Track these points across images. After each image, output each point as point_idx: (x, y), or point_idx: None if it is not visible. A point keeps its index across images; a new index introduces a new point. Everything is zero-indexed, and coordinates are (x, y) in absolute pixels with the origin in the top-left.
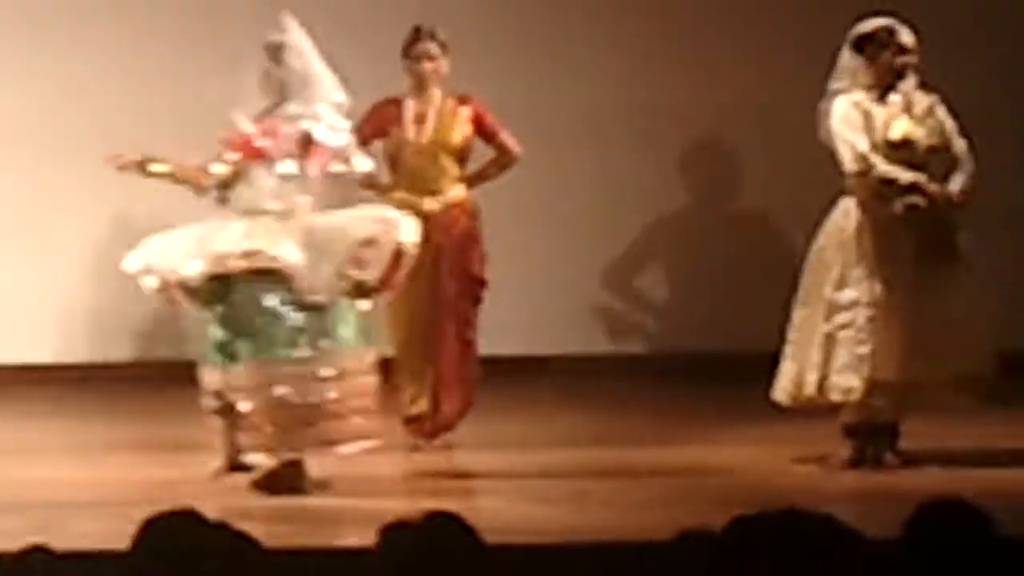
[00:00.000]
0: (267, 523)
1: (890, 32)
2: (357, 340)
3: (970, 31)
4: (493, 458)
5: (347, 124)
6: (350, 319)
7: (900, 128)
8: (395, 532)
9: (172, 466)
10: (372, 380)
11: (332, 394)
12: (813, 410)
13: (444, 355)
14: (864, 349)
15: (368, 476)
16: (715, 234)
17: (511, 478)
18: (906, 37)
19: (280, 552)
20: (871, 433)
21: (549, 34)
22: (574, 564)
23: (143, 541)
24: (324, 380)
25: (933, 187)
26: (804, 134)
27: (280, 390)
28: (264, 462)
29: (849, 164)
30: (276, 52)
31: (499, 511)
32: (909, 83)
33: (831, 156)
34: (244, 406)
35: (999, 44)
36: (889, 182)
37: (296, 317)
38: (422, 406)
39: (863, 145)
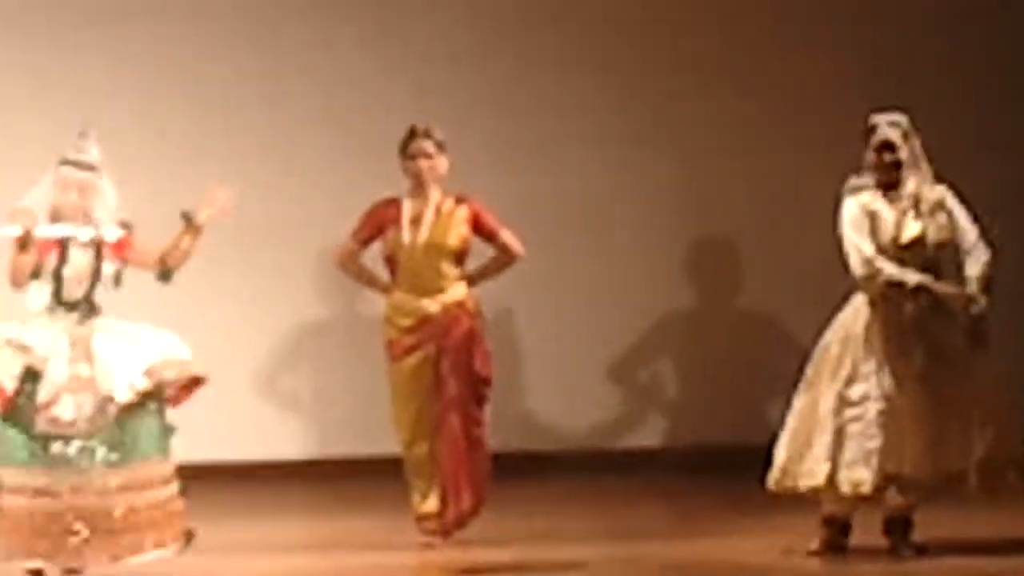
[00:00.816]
0: None
1: (872, 130)
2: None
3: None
4: (506, 553)
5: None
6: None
7: (910, 231)
8: None
9: None
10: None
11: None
12: (797, 499)
13: (451, 454)
14: (874, 443)
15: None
16: (721, 328)
17: (525, 573)
18: (888, 133)
19: None
20: (843, 527)
21: (549, 130)
22: None
23: None
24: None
25: (939, 287)
26: (810, 229)
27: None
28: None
29: (856, 268)
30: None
31: None
32: (917, 178)
33: (840, 251)
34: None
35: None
36: (897, 284)
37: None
38: (432, 504)
39: (869, 249)
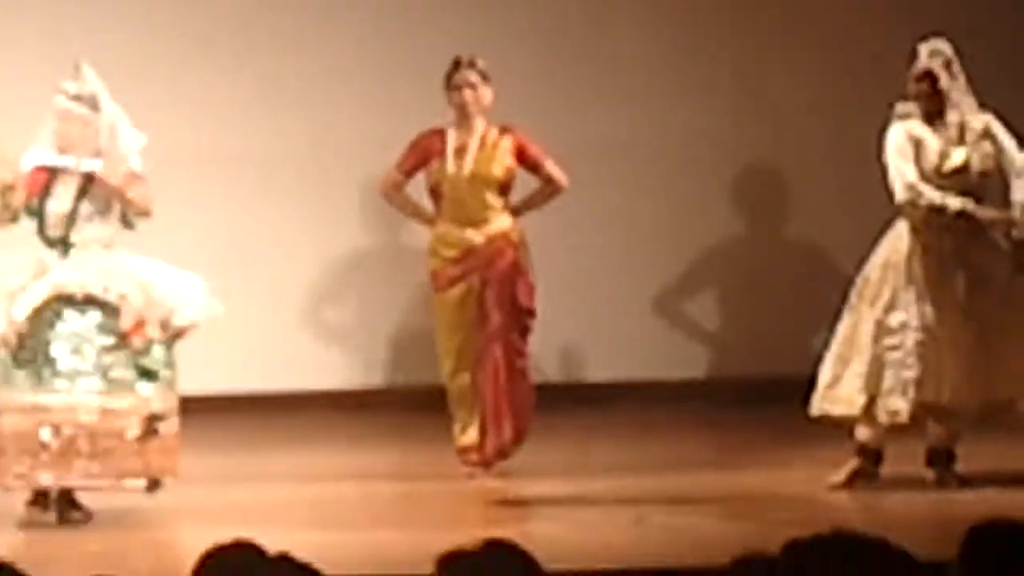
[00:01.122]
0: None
1: (932, 61)
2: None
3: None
4: (548, 486)
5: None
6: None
7: (954, 159)
8: (453, 562)
9: None
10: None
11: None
12: (839, 428)
13: (493, 385)
14: (911, 373)
15: (426, 505)
16: (768, 260)
17: (567, 505)
18: (928, 62)
19: None
20: (876, 456)
21: (599, 62)
22: None
23: (204, 572)
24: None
25: (983, 212)
26: (857, 160)
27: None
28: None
29: (899, 193)
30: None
31: (556, 539)
32: (961, 106)
33: (885, 180)
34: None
35: None
36: (939, 210)
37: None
38: (472, 436)
39: (912, 175)
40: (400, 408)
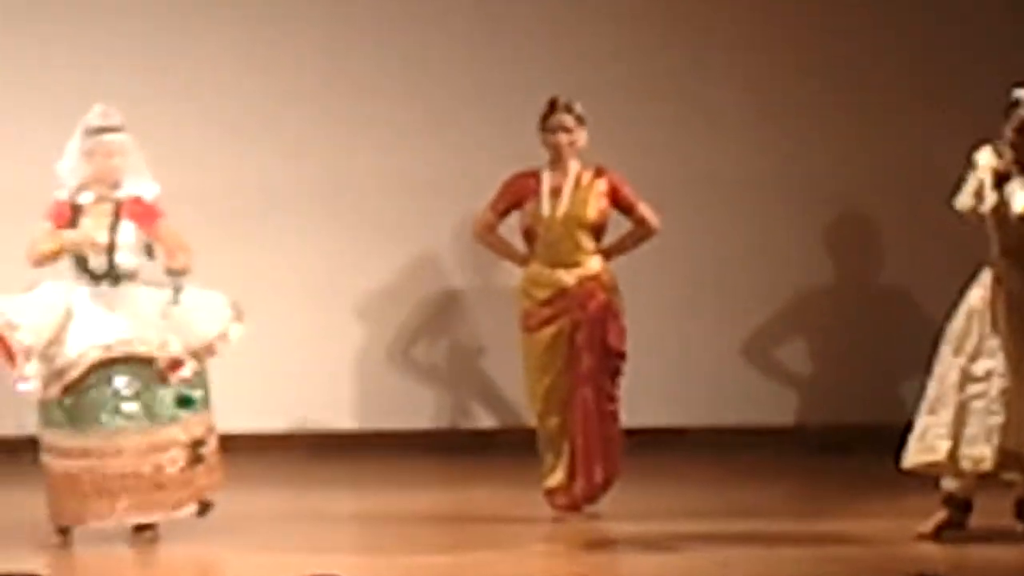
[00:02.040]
0: None
1: (1016, 105)
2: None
3: None
4: (637, 528)
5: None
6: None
7: (1020, 202)
8: None
9: None
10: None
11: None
12: (928, 480)
13: (582, 427)
14: (996, 420)
15: (517, 545)
16: (858, 306)
17: (654, 550)
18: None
19: None
20: (964, 506)
21: (694, 104)
22: None
23: None
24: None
25: None
26: (948, 206)
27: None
28: None
29: (963, 199)
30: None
31: None
32: None
33: (972, 229)
34: None
35: None
36: (1001, 207)
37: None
38: (559, 478)
39: (983, 184)
40: (491, 449)
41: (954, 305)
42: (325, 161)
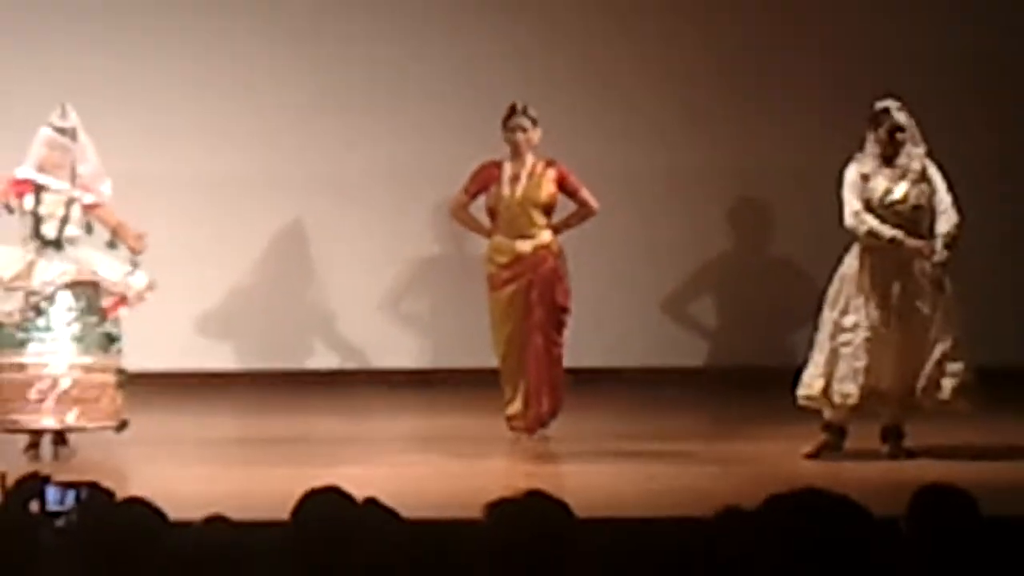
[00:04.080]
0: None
1: (886, 112)
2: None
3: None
4: (579, 448)
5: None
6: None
7: (894, 194)
8: (498, 507)
9: None
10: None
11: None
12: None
13: (533, 367)
14: (860, 363)
15: (478, 461)
16: (758, 273)
17: (593, 465)
18: (900, 117)
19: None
20: (840, 432)
21: (620, 105)
22: (643, 536)
23: (301, 515)
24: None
25: (910, 242)
26: (825, 193)
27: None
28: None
29: (846, 220)
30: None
31: (584, 490)
32: (910, 152)
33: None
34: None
35: (990, 110)
36: (877, 236)
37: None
38: (516, 407)
39: (857, 206)
40: (462, 384)
41: (833, 271)
42: (330, 154)
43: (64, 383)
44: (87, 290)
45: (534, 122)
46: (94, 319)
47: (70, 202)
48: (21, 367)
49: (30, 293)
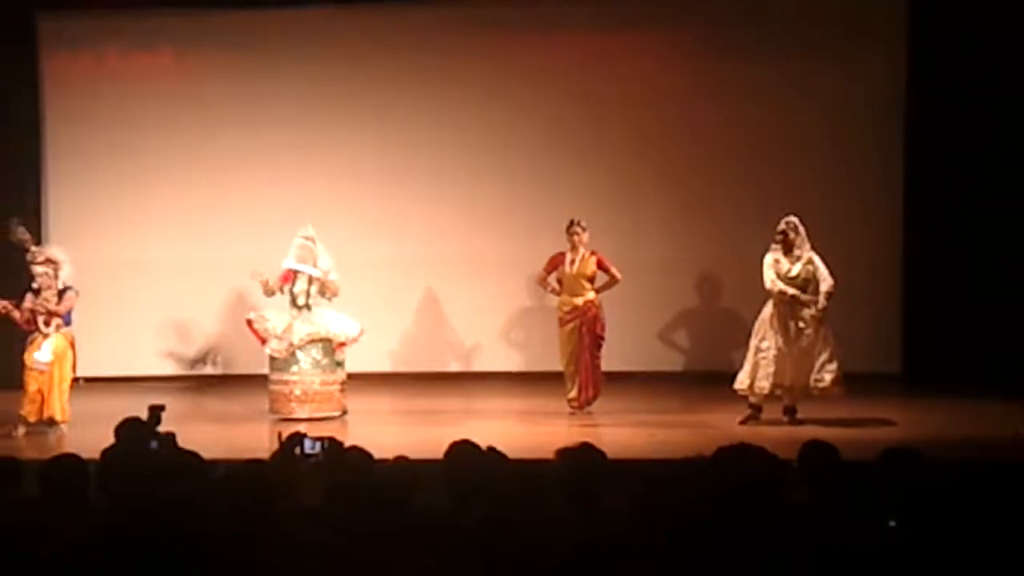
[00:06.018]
0: None
1: (788, 224)
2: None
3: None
4: (611, 420)
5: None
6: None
7: (793, 271)
8: (564, 452)
9: None
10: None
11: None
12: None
13: (583, 371)
14: (771, 369)
15: (547, 428)
16: (716, 315)
17: (618, 428)
18: (790, 232)
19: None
20: (759, 410)
21: (630, 216)
22: (637, 473)
23: (449, 455)
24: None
25: (804, 297)
26: (757, 269)
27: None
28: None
29: (766, 283)
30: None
31: (608, 441)
32: (801, 246)
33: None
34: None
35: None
36: (783, 294)
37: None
38: (573, 394)
39: (772, 277)
40: (544, 382)
41: (757, 315)
42: (456, 235)
43: (310, 390)
44: (324, 340)
45: (584, 229)
46: (328, 356)
47: (311, 279)
48: (286, 382)
49: (290, 344)
